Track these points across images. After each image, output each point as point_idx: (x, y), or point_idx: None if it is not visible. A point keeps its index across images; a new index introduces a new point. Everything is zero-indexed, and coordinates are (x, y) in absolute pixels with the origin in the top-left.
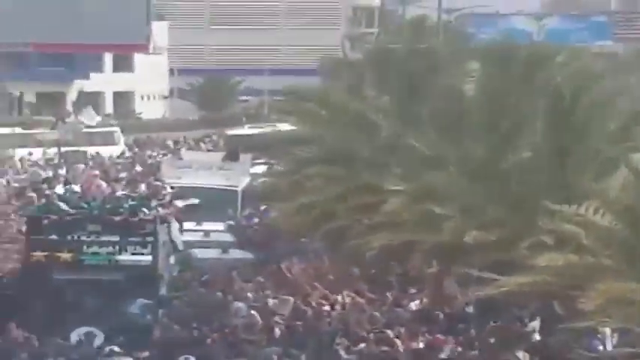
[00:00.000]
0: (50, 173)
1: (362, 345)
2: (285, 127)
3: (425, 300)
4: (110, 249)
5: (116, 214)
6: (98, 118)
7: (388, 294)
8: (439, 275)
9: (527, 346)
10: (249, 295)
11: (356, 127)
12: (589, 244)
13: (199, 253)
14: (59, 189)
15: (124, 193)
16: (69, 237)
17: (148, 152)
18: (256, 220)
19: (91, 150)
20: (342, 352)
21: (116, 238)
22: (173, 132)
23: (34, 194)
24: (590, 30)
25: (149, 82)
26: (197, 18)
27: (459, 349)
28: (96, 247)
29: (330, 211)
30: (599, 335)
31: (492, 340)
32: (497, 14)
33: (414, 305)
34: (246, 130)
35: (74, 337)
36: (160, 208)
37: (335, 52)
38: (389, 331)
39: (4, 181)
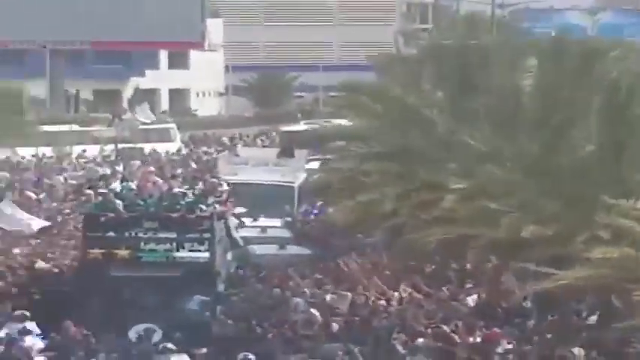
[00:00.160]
0: (107, 170)
1: (419, 340)
2: (340, 123)
3: (482, 294)
4: (167, 246)
5: (173, 211)
6: (153, 116)
7: (445, 289)
8: (497, 270)
9: (584, 340)
10: (306, 291)
11: (411, 123)
12: None
13: (257, 249)
14: (115, 186)
15: (180, 190)
16: (126, 234)
17: (204, 149)
18: (313, 216)
19: (148, 147)
20: (400, 347)
21: (173, 235)
22: (228, 129)
23: (91, 192)
24: None
25: (204, 79)
26: (252, 15)
27: (516, 343)
28: (153, 244)
29: (389, 208)
30: None
31: (549, 335)
32: (551, 9)
33: (470, 300)
34: (301, 127)
35: (132, 334)
36: (216, 205)
37: (389, 48)
38: (446, 326)
39: (61, 179)
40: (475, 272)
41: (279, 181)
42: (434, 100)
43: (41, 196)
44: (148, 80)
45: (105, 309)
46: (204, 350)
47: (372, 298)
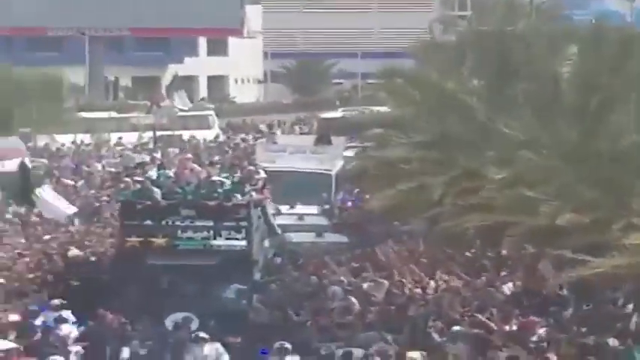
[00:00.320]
0: (145, 158)
1: (455, 327)
2: (378, 110)
3: (518, 282)
4: (204, 234)
5: (210, 199)
6: (190, 103)
7: (482, 277)
8: (533, 257)
9: (619, 329)
10: (343, 279)
11: (450, 110)
12: None
13: (294, 236)
14: (152, 174)
15: (218, 178)
16: (163, 222)
17: (242, 136)
18: (350, 203)
19: (186, 134)
20: (436, 335)
21: (210, 223)
22: (267, 115)
23: (128, 179)
24: None
25: (243, 66)
26: (290, 1)
27: (552, 331)
28: (190, 232)
29: (436, 196)
30: None
31: (585, 323)
32: None
33: (506, 288)
34: (339, 113)
35: (168, 322)
36: (253, 193)
37: (428, 35)
38: (482, 314)
39: (99, 166)
40: (511, 260)
41: (317, 169)
42: (472, 87)
43: (79, 183)
44: (186, 67)
45: (141, 297)
46: (240, 339)
47: (409, 286)
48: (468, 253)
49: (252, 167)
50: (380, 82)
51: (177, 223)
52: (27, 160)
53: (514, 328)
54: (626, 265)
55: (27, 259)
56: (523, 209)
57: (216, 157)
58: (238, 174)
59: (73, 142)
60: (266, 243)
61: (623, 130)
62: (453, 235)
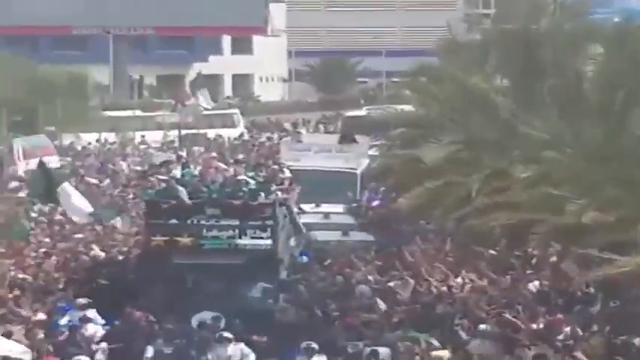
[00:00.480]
0: (171, 156)
1: (482, 326)
2: (402, 108)
3: (544, 281)
4: (230, 233)
5: (236, 198)
6: (212, 102)
7: (508, 275)
8: (559, 256)
9: None
10: (370, 277)
11: (475, 109)
12: None
13: (320, 235)
14: (176, 172)
15: (243, 177)
16: (188, 221)
17: (267, 134)
18: (377, 202)
19: (211, 132)
20: (463, 333)
21: (236, 222)
22: (291, 114)
23: (153, 178)
24: None
25: (268, 65)
26: (314, 0)
27: (578, 330)
28: (216, 231)
29: (457, 194)
30: None
31: (612, 322)
32: None
33: (532, 286)
34: (363, 112)
35: (195, 321)
36: (279, 192)
37: (452, 34)
38: (508, 312)
39: (124, 165)
40: (537, 258)
41: (342, 168)
42: (497, 85)
43: (105, 182)
44: (211, 66)
45: (167, 296)
46: (266, 338)
47: (435, 284)
48: (493, 252)
49: (276, 166)
50: (405, 80)
51: (203, 222)
52: (54, 159)
53: (541, 326)
54: None
55: (53, 258)
56: (548, 208)
57: (241, 156)
58: (263, 173)
59: (98, 141)
60: (292, 242)
61: None
62: (479, 234)
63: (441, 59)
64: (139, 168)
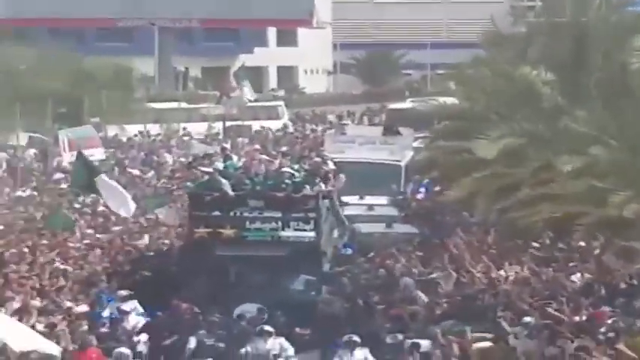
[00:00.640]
0: (209, 148)
1: (526, 318)
2: (446, 101)
3: (587, 273)
4: (273, 225)
5: (278, 190)
6: (254, 94)
7: (550, 268)
8: (602, 248)
9: None
10: (413, 270)
11: (522, 101)
12: None
13: (363, 227)
14: (219, 164)
15: (287, 169)
16: (231, 213)
17: (312, 127)
18: (421, 194)
19: (256, 124)
20: (506, 325)
21: (279, 214)
22: (336, 106)
23: (197, 170)
24: None
25: (312, 57)
26: None
27: (621, 322)
28: (259, 223)
29: (502, 186)
30: None
31: None
32: None
33: (575, 278)
34: (408, 104)
35: (236, 313)
36: (322, 184)
37: (498, 26)
38: (552, 304)
39: (168, 157)
40: (581, 251)
41: (387, 160)
42: (543, 78)
43: (149, 174)
44: (256, 58)
45: (210, 288)
46: (309, 330)
47: (478, 276)
48: (536, 244)
49: (318, 159)
50: (450, 72)
51: (246, 214)
52: (100, 150)
53: (584, 318)
54: None
55: (97, 250)
56: (592, 200)
57: (284, 148)
58: (306, 165)
59: (140, 132)
60: (335, 234)
61: None
62: (522, 226)
63: (487, 52)
64: (183, 160)
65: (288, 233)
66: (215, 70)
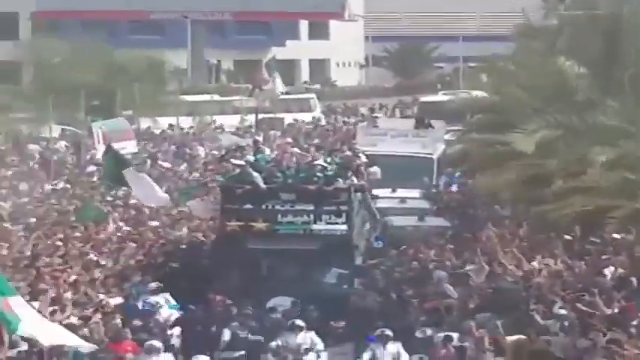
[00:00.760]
0: (247, 141)
1: (559, 310)
2: (478, 94)
3: (620, 267)
4: (305, 218)
5: (310, 183)
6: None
7: (583, 260)
8: (635, 241)
9: None
10: (447, 263)
11: (554, 94)
12: None
13: (395, 220)
14: (250, 157)
15: (319, 162)
16: (263, 206)
17: (344, 119)
18: (454, 187)
19: (288, 117)
20: (538, 317)
21: (311, 207)
22: (368, 99)
23: (229, 163)
24: None
25: (344, 50)
26: None
27: None
28: (290, 217)
29: (536, 178)
30: None
31: None
32: None
33: (608, 271)
34: (440, 97)
35: (269, 305)
36: (354, 177)
37: (530, 18)
38: (584, 297)
39: (201, 150)
40: (614, 244)
41: (419, 153)
42: (576, 71)
43: (182, 167)
44: (288, 50)
45: (242, 281)
46: (341, 323)
47: (510, 269)
48: (568, 237)
49: (350, 152)
50: (482, 65)
51: (278, 207)
52: (133, 143)
53: (616, 311)
54: None
55: (130, 243)
56: (624, 193)
57: (316, 141)
58: (338, 159)
59: (172, 125)
60: (367, 227)
61: None
62: (554, 219)
63: (519, 45)
64: (215, 152)
65: (320, 226)
66: (247, 62)
